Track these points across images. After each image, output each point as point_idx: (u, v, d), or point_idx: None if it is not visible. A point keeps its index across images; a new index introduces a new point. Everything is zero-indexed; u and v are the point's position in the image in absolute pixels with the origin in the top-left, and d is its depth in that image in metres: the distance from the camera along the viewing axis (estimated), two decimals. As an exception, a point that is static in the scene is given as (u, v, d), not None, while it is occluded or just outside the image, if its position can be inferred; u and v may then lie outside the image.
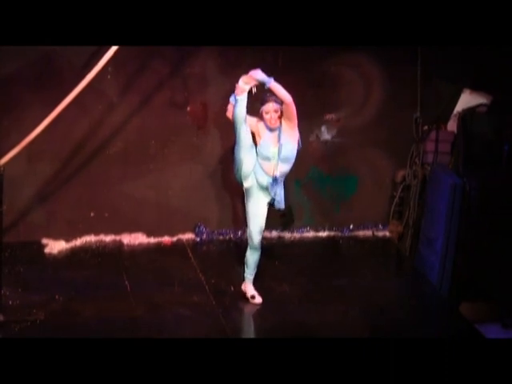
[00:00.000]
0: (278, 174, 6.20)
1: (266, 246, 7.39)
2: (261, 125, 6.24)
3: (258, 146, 6.23)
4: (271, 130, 6.20)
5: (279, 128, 6.19)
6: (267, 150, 6.20)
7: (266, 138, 6.22)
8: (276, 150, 6.19)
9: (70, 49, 6.67)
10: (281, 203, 6.33)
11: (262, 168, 6.23)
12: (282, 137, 6.18)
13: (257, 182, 6.25)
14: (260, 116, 6.20)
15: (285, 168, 6.26)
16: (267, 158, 6.20)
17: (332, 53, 7.67)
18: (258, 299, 6.59)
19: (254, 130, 6.24)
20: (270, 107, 6.12)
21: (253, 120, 6.22)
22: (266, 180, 6.23)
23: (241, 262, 6.65)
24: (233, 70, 7.28)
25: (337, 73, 7.84)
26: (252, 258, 6.50)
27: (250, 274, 6.57)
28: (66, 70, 7.08)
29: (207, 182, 7.79)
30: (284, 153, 6.18)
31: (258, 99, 6.16)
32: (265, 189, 6.27)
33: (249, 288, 6.63)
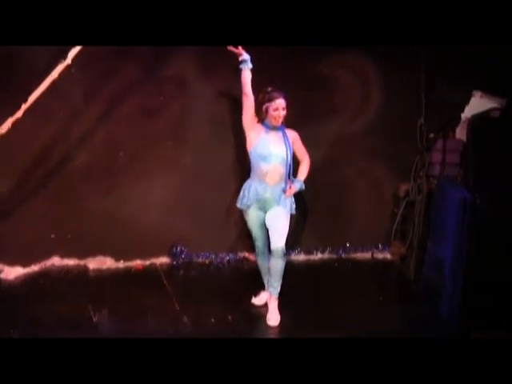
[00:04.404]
0: (281, 181, 6.35)
1: (250, 271, 7.42)
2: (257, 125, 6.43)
3: (254, 146, 6.35)
4: (272, 128, 6.35)
5: (282, 128, 6.37)
6: (266, 148, 6.30)
7: (264, 137, 6.34)
8: (278, 150, 6.33)
9: (30, 48, 6.52)
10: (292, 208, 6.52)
11: (260, 178, 6.33)
12: (288, 140, 6.38)
13: (262, 199, 6.38)
14: (264, 111, 6.32)
15: (284, 170, 6.40)
16: (265, 158, 6.30)
17: (324, 53, 7.45)
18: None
19: (252, 128, 6.38)
20: (279, 104, 6.29)
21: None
22: (268, 191, 6.35)
23: (223, 288, 6.73)
24: (213, 73, 7.28)
25: (330, 75, 7.62)
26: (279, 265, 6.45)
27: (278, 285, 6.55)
28: (25, 72, 6.75)
29: (184, 198, 7.57)
30: (289, 155, 6.35)
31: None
32: (271, 200, 6.39)
33: (273, 303, 6.55)
